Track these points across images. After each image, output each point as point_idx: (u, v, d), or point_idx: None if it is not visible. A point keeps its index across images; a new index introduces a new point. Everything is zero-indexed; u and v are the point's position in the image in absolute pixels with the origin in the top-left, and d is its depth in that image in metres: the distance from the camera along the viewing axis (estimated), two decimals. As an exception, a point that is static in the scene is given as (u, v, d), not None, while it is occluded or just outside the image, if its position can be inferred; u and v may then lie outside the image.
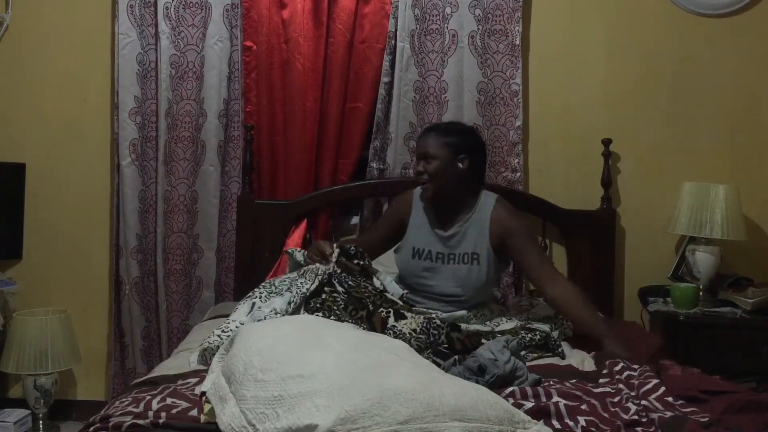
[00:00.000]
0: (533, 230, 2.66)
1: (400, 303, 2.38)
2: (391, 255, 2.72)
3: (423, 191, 2.57)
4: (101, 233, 3.39)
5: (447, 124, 2.74)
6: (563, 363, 2.26)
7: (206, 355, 2.10)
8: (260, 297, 2.32)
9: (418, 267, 2.55)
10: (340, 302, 2.26)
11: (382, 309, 2.28)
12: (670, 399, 1.83)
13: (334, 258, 2.42)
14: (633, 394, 1.87)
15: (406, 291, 2.49)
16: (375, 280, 2.47)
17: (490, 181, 3.23)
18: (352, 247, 2.49)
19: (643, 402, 1.83)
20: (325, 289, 2.33)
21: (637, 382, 1.92)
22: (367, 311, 2.25)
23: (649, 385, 1.90)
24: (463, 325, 2.35)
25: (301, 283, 2.34)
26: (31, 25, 3.34)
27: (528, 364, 2.17)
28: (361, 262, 2.44)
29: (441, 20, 3.23)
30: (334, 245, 2.49)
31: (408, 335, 2.18)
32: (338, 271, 2.38)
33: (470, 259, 2.51)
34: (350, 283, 2.33)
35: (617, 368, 2.03)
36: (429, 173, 2.50)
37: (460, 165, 2.51)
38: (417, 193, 2.65)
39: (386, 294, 2.38)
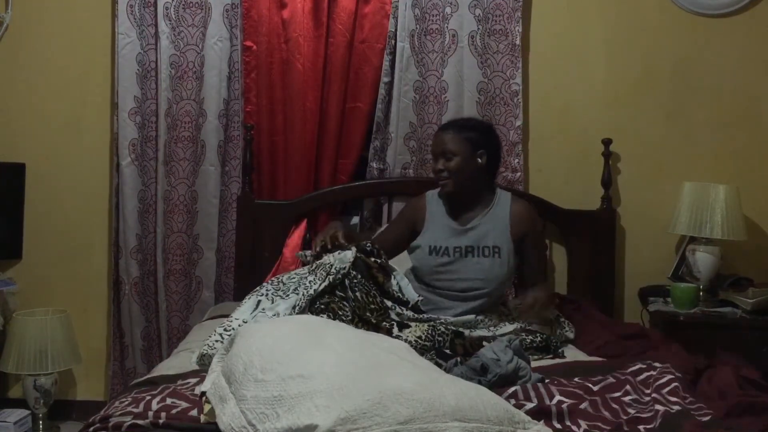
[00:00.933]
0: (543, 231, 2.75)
1: (403, 317, 2.35)
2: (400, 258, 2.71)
3: (442, 186, 2.56)
4: (101, 233, 3.39)
5: (464, 120, 2.73)
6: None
7: (205, 361, 2.07)
8: (266, 295, 2.27)
9: (435, 263, 2.52)
10: (348, 312, 2.23)
11: (385, 323, 2.26)
12: (679, 390, 1.85)
13: (351, 256, 2.35)
14: (648, 391, 1.88)
15: (420, 297, 2.46)
16: (392, 279, 2.45)
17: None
18: (368, 244, 2.46)
19: (654, 394, 1.84)
20: (337, 293, 2.28)
21: (653, 380, 1.94)
22: (370, 324, 2.22)
23: (664, 380, 1.93)
24: (467, 332, 2.34)
25: (309, 282, 2.28)
26: (31, 25, 3.34)
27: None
28: (379, 261, 2.41)
29: (441, 20, 3.22)
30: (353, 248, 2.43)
31: (413, 343, 2.16)
32: (353, 273, 2.31)
33: (492, 253, 2.51)
34: (357, 294, 2.27)
35: (635, 368, 2.04)
36: (449, 170, 2.51)
37: (479, 160, 2.53)
38: (429, 195, 2.67)
39: (390, 311, 2.34)
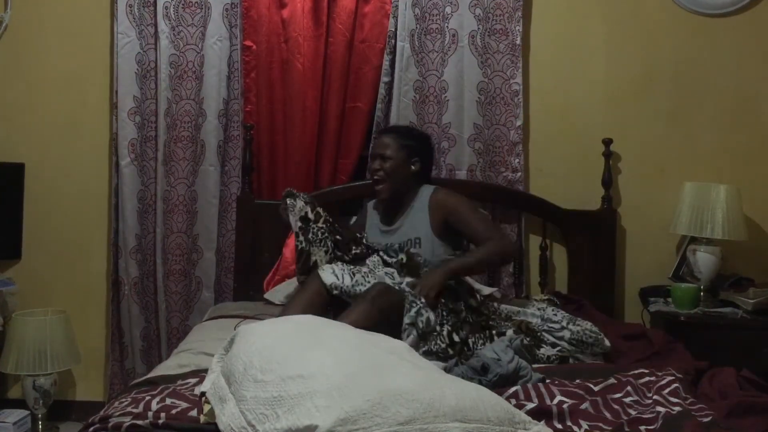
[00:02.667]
0: (472, 203, 2.79)
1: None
2: None
3: (378, 191, 2.78)
4: (100, 233, 3.39)
5: (405, 128, 2.98)
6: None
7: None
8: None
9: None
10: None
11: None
12: (679, 391, 1.85)
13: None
14: (650, 394, 1.88)
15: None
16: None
17: (491, 181, 3.24)
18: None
19: (655, 396, 1.83)
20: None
21: (654, 383, 1.94)
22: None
23: (664, 381, 1.94)
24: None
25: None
26: (31, 25, 3.34)
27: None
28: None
29: (441, 20, 3.22)
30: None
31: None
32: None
33: (412, 244, 2.69)
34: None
35: (636, 372, 2.04)
36: (385, 171, 2.74)
37: (413, 167, 2.78)
38: (369, 206, 2.94)
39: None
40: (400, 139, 2.78)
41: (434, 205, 2.70)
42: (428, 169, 2.90)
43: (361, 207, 3.02)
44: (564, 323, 2.38)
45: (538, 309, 2.54)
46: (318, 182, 3.30)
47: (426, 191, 2.76)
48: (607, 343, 2.38)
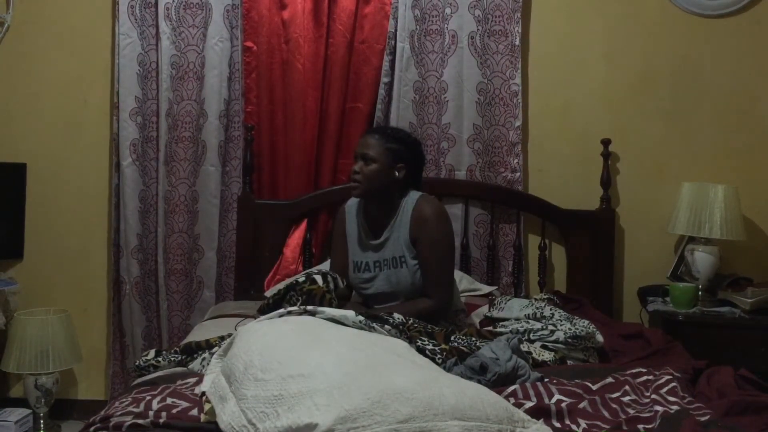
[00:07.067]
0: (449, 237, 2.51)
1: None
2: None
3: (353, 189, 2.50)
4: (102, 233, 3.40)
5: (394, 130, 2.68)
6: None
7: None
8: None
9: (359, 279, 2.54)
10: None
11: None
12: (677, 390, 1.86)
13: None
14: (648, 393, 1.89)
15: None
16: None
17: (490, 181, 3.25)
18: (319, 274, 2.43)
19: (653, 395, 1.85)
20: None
21: (652, 383, 1.95)
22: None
23: (662, 380, 1.94)
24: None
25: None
26: (32, 26, 3.35)
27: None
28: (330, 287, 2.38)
29: (441, 21, 3.23)
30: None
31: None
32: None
33: (398, 263, 2.47)
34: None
35: (634, 371, 2.05)
36: (364, 174, 2.45)
37: (396, 174, 2.47)
38: (348, 208, 2.65)
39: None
40: (385, 141, 2.47)
41: (414, 219, 2.45)
42: (416, 177, 2.56)
43: (337, 213, 2.71)
44: (559, 325, 2.36)
45: (527, 317, 2.47)
46: (318, 182, 3.31)
47: (411, 199, 2.49)
48: (599, 337, 2.36)
